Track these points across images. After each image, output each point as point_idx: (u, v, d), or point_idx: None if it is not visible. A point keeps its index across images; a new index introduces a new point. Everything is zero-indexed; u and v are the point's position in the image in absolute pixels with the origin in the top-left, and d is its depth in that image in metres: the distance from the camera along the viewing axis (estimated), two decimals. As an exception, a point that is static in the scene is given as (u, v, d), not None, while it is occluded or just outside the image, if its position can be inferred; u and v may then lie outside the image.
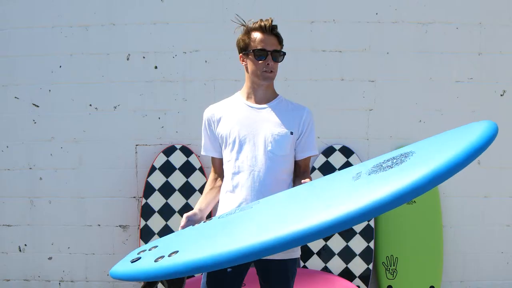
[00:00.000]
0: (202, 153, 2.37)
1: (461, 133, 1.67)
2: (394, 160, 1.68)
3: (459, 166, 1.44)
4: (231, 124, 2.26)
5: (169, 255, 1.61)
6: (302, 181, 2.11)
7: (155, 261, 1.62)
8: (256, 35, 2.21)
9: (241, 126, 2.24)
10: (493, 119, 3.93)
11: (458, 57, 3.72)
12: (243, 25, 2.26)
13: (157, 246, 1.84)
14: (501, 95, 3.75)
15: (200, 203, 2.28)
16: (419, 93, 3.73)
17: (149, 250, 1.82)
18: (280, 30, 2.27)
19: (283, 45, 2.27)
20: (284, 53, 2.25)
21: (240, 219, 1.86)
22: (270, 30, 2.20)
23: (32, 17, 3.70)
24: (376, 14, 3.71)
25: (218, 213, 2.27)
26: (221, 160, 2.34)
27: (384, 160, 1.76)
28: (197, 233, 1.87)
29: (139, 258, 1.73)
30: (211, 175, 2.37)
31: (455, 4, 3.72)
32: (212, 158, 2.36)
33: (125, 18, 3.70)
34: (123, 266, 1.73)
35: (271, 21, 2.22)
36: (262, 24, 2.20)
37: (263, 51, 2.19)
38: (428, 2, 3.71)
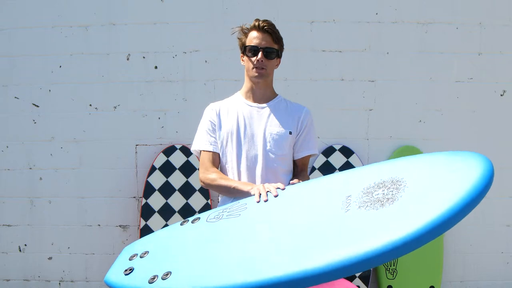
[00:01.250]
0: (197, 148, 2.33)
1: (455, 168, 1.64)
2: (385, 192, 1.68)
3: (454, 221, 1.44)
4: (231, 123, 2.27)
5: (163, 278, 1.66)
6: (291, 182, 2.13)
7: (149, 282, 1.67)
8: (252, 34, 2.26)
9: (241, 126, 2.26)
10: (493, 119, 3.96)
11: (458, 57, 3.72)
12: (242, 28, 2.30)
13: (148, 252, 1.87)
14: (501, 95, 3.75)
15: (236, 181, 2.22)
16: (419, 93, 3.73)
17: (141, 257, 1.85)
18: (280, 30, 2.30)
19: (282, 45, 2.30)
20: (277, 51, 2.26)
21: (229, 234, 1.86)
22: (263, 28, 2.23)
23: (32, 17, 3.70)
24: (376, 14, 3.71)
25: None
26: (218, 155, 2.31)
27: (374, 185, 1.75)
28: (188, 246, 1.87)
29: (132, 269, 1.78)
30: (213, 169, 2.28)
31: (455, 4, 3.72)
32: (205, 153, 2.31)
33: (125, 18, 3.70)
34: (117, 277, 1.78)
35: (266, 21, 2.25)
36: (256, 23, 2.25)
37: (255, 48, 2.23)
38: (428, 2, 3.71)
